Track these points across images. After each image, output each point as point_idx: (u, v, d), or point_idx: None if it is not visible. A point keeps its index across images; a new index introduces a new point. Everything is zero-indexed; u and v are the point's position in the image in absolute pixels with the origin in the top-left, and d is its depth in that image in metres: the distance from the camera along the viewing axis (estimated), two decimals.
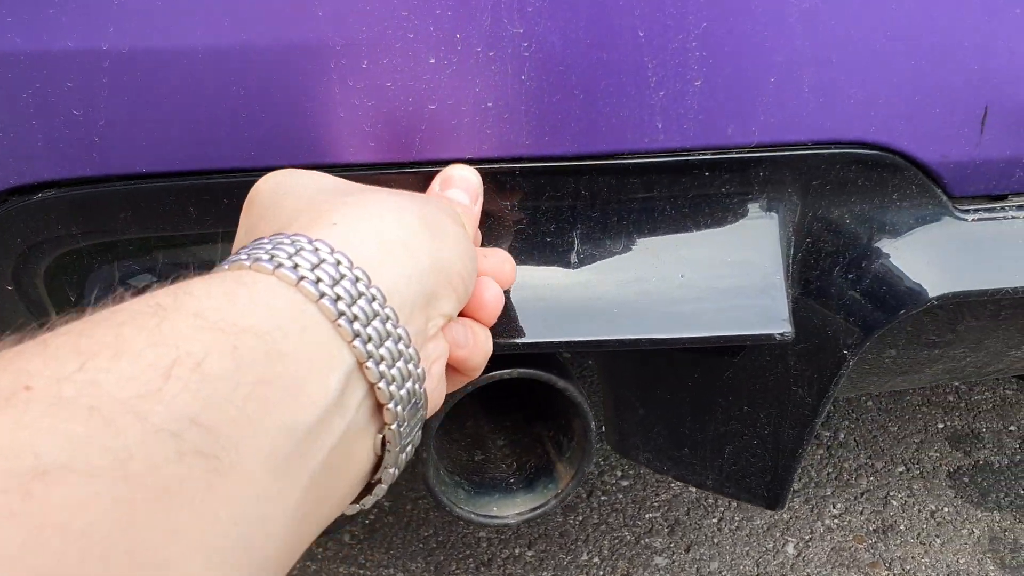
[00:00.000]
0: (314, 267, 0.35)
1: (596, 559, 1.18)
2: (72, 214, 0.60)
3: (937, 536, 1.18)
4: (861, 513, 1.23)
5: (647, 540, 1.20)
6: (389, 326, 0.36)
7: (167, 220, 0.59)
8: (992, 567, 1.12)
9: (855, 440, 1.37)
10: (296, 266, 0.35)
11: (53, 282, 0.62)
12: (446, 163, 0.55)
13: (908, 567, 1.14)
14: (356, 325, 0.35)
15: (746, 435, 0.65)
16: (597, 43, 0.51)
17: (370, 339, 0.35)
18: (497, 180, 0.55)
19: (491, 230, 0.57)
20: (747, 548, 1.18)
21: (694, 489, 1.29)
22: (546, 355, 0.62)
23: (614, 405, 0.74)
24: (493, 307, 0.48)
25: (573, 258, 0.57)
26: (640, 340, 0.55)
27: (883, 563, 1.15)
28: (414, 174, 0.56)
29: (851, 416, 1.42)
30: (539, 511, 0.63)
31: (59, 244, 0.61)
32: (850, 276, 0.58)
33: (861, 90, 0.52)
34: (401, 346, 0.36)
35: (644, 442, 0.71)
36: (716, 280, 0.55)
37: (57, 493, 0.25)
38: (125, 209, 0.59)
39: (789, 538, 1.20)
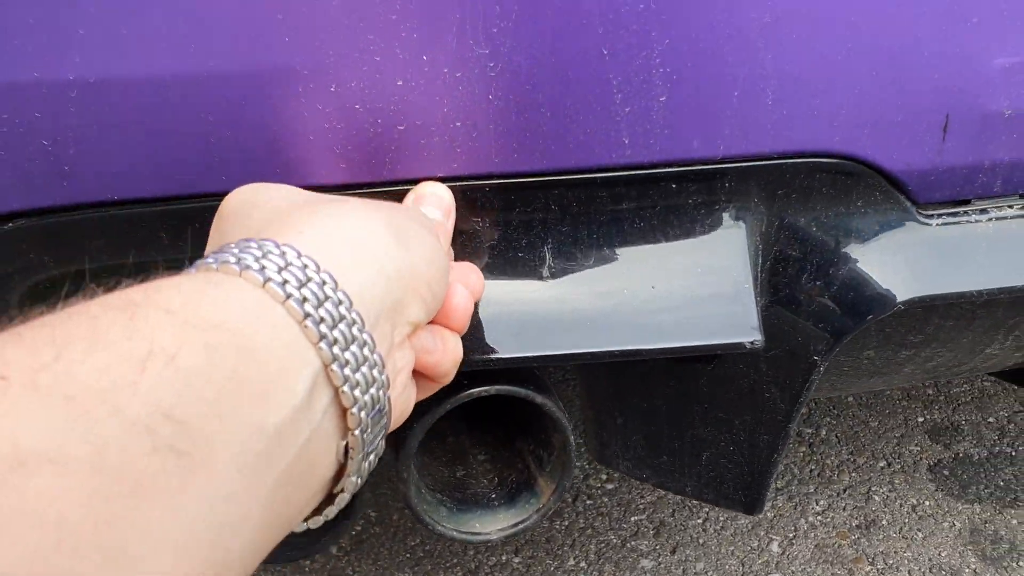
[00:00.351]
0: (281, 269, 0.35)
1: (583, 564, 1.19)
2: (44, 242, 0.60)
3: (919, 530, 1.19)
4: (844, 509, 1.24)
5: (633, 543, 1.21)
6: (355, 330, 0.36)
7: (139, 246, 0.59)
8: (973, 559, 1.13)
9: (836, 436, 1.39)
10: (263, 268, 0.35)
11: (29, 310, 0.62)
12: (418, 181, 0.55)
13: (891, 562, 1.15)
14: (323, 327, 0.35)
15: (722, 441, 0.66)
16: (562, 62, 0.51)
17: (336, 342, 0.35)
18: (468, 197, 0.56)
19: (463, 246, 0.58)
20: (732, 548, 1.19)
21: None
22: (524, 370, 0.63)
23: (593, 415, 0.74)
24: (462, 312, 0.48)
25: (545, 272, 0.57)
26: (613, 352, 0.56)
27: (866, 558, 1.16)
28: (386, 193, 0.56)
29: (832, 412, 1.43)
30: (521, 527, 0.63)
31: (32, 272, 0.61)
32: (818, 282, 0.59)
33: (824, 102, 0.53)
34: (366, 351, 0.36)
35: (623, 451, 0.72)
36: (686, 290, 0.56)
37: (34, 484, 0.25)
38: (97, 237, 0.59)
39: (773, 536, 1.21)
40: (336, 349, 0.35)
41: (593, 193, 0.55)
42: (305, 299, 0.35)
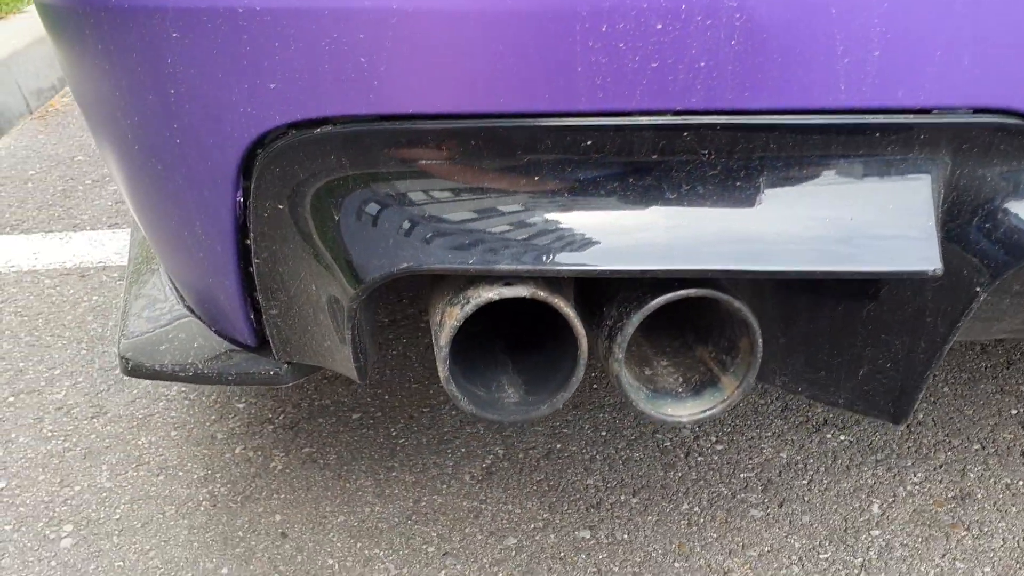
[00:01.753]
0: None
1: (696, 508, 1.30)
2: (343, 147, 0.74)
3: (1013, 505, 1.28)
4: (940, 482, 1.34)
5: (743, 495, 1.32)
6: None
7: (422, 157, 0.73)
8: None
9: (932, 420, 1.48)
10: None
11: (319, 202, 0.76)
12: (660, 113, 0.68)
13: (986, 529, 1.24)
14: None
15: (880, 359, 0.78)
16: (796, 17, 0.64)
17: None
18: (700, 133, 0.69)
19: (688, 175, 0.70)
20: (835, 506, 1.29)
21: (784, 454, 1.40)
22: (716, 282, 0.75)
23: None
24: None
25: (758, 200, 0.69)
26: (815, 272, 0.68)
27: (962, 525, 1.25)
28: (632, 126, 0.69)
29: (928, 399, 1.52)
30: (708, 413, 0.75)
31: (329, 172, 0.75)
32: (987, 225, 0.70)
33: (1016, 68, 0.65)
34: None
35: (782, 367, 0.84)
36: (880, 223, 0.68)
37: None
38: (388, 146, 0.73)
39: (873, 499, 1.31)
40: None
41: (807, 137, 0.68)
42: None
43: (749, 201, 0.69)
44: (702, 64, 0.66)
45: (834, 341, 0.80)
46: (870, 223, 0.68)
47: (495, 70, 0.67)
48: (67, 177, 2.58)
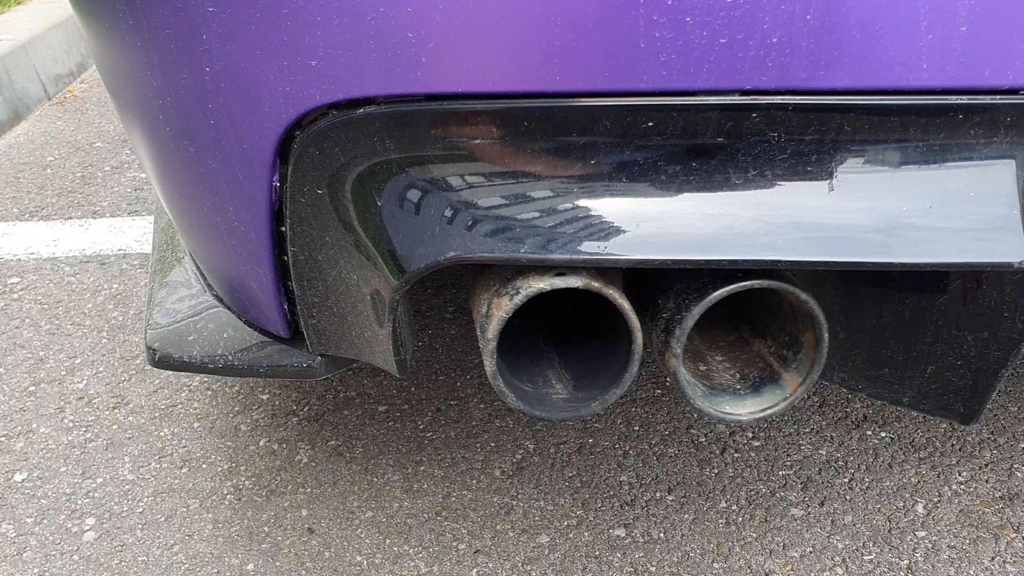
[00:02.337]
0: None
1: (734, 507, 1.26)
2: (388, 129, 0.70)
3: None
4: (986, 481, 1.29)
5: (782, 494, 1.28)
6: None
7: (471, 140, 0.69)
8: None
9: (986, 407, 1.43)
10: None
11: (360, 187, 0.72)
12: (727, 93, 0.64)
13: None
14: None
15: (950, 356, 0.73)
16: None
17: None
18: (769, 115, 0.64)
19: (758, 157, 0.66)
20: (878, 505, 1.25)
21: (824, 451, 1.36)
22: (781, 273, 0.71)
23: None
24: None
25: (830, 186, 0.65)
26: (892, 264, 0.64)
27: (1011, 526, 1.21)
28: (697, 106, 0.65)
29: None
30: (769, 412, 0.71)
31: (371, 156, 0.71)
32: None
33: None
34: None
35: (841, 363, 0.80)
36: (961, 212, 0.64)
37: None
38: (435, 127, 0.69)
39: (918, 499, 1.26)
40: None
41: (885, 119, 0.63)
42: None
43: (821, 187, 0.65)
44: (774, 40, 0.62)
45: (900, 337, 0.76)
46: (950, 212, 0.63)
47: (551, 46, 0.63)
48: (86, 164, 2.55)
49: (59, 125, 2.89)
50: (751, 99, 0.63)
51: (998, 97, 0.62)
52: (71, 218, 2.21)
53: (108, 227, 2.14)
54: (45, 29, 3.30)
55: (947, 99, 0.62)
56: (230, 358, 0.91)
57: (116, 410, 1.49)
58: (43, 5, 3.66)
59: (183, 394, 1.52)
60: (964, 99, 0.62)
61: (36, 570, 1.19)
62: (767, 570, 1.16)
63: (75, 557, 1.21)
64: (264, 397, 1.51)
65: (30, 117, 2.97)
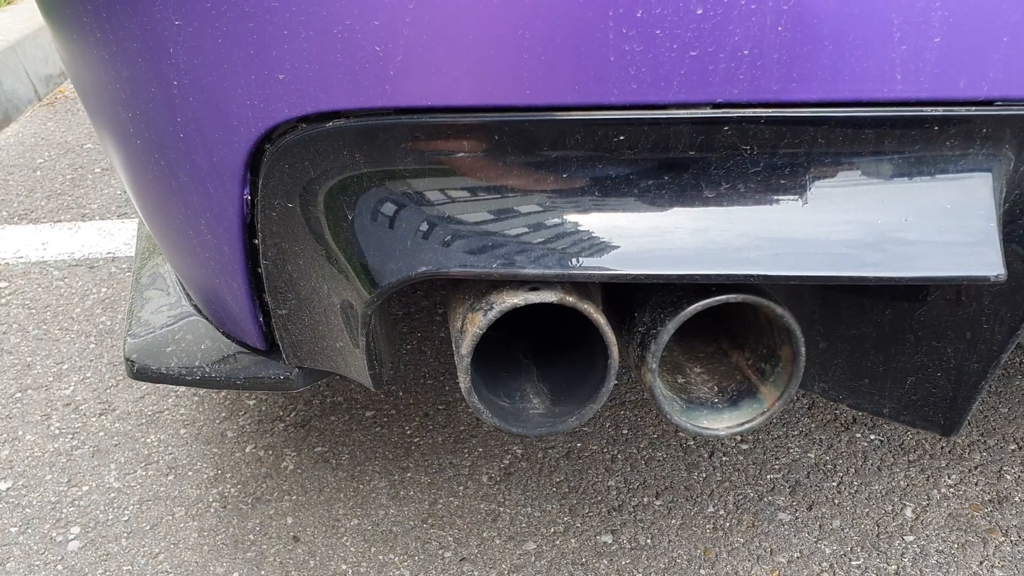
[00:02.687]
0: None
1: (722, 511, 1.25)
2: (357, 143, 0.69)
3: None
4: (976, 484, 1.29)
5: (770, 498, 1.27)
6: None
7: (442, 153, 0.68)
8: None
9: (967, 419, 1.42)
10: None
11: (331, 201, 0.71)
12: (698, 106, 0.63)
13: None
14: None
15: (930, 367, 0.73)
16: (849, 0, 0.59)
17: None
18: (741, 127, 0.63)
19: (728, 173, 0.65)
20: (867, 510, 1.25)
21: (812, 454, 1.36)
22: (756, 286, 0.70)
23: None
24: None
25: (803, 199, 0.64)
26: (867, 278, 0.63)
27: (1000, 530, 1.20)
28: (668, 120, 0.64)
29: None
30: (747, 426, 0.71)
31: (342, 169, 0.70)
32: None
33: None
34: None
35: (821, 373, 0.79)
36: (937, 225, 0.63)
37: None
38: (405, 141, 0.68)
39: (907, 503, 1.26)
40: None
41: (859, 131, 0.63)
42: None
43: (795, 201, 0.64)
44: (745, 52, 0.61)
45: (880, 347, 0.75)
46: (927, 225, 0.63)
47: (521, 59, 0.62)
48: (76, 165, 2.54)
49: (49, 126, 2.88)
50: (723, 112, 0.62)
51: (973, 108, 0.61)
52: (60, 221, 2.20)
53: (98, 230, 2.13)
54: (35, 29, 3.29)
55: (922, 111, 0.61)
56: (208, 370, 0.90)
57: (103, 416, 1.49)
58: (32, 5, 3.64)
59: (170, 400, 1.52)
60: (939, 111, 0.61)
61: None
62: (754, 575, 1.15)
63: (59, 567, 1.20)
64: (251, 403, 1.50)
65: (20, 118, 2.96)
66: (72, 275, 1.93)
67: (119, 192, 2.34)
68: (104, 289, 1.87)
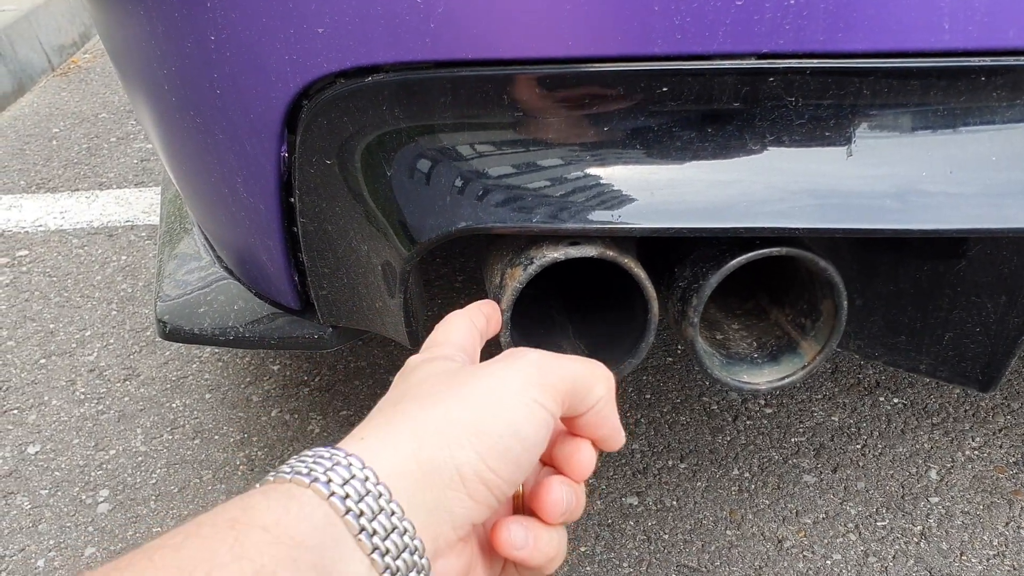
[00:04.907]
0: (344, 483, 0.38)
1: (747, 474, 1.26)
2: (396, 97, 0.69)
3: None
4: (1000, 447, 1.29)
5: (794, 460, 1.28)
6: (407, 538, 0.39)
7: (482, 107, 0.67)
8: None
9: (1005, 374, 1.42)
10: (329, 481, 0.38)
11: (370, 157, 0.71)
12: (743, 56, 0.63)
13: None
14: (375, 539, 0.38)
15: (968, 323, 0.72)
16: None
17: (387, 552, 0.38)
18: (787, 79, 0.63)
19: (772, 125, 0.65)
20: (891, 472, 1.25)
21: (836, 417, 1.36)
22: (799, 240, 0.70)
23: None
24: (556, 509, 0.45)
25: (848, 152, 0.64)
26: (911, 231, 0.62)
27: None
28: (712, 70, 0.63)
29: None
30: (787, 380, 0.71)
31: (381, 125, 0.70)
32: None
33: None
34: (415, 557, 0.39)
35: (857, 330, 0.79)
36: (982, 178, 0.62)
37: None
38: (445, 95, 0.68)
39: (931, 465, 1.26)
40: (388, 559, 0.38)
41: (905, 82, 0.62)
42: (361, 513, 0.38)
43: (839, 153, 0.64)
44: (792, 2, 0.60)
45: (918, 303, 0.75)
46: (971, 177, 0.62)
47: (563, 10, 0.62)
48: (92, 135, 2.54)
49: (63, 96, 2.87)
50: (768, 63, 0.62)
51: (1022, 58, 0.60)
52: (78, 190, 2.20)
53: (115, 198, 2.14)
54: None
55: (969, 61, 0.61)
56: (241, 330, 0.91)
57: (127, 382, 1.50)
58: None
59: (194, 365, 1.52)
60: (987, 61, 0.61)
61: (52, 541, 1.20)
62: (780, 536, 1.16)
63: (90, 528, 1.21)
64: (275, 368, 1.51)
65: (34, 88, 2.96)
66: (91, 243, 1.94)
67: (135, 161, 2.34)
68: (124, 257, 1.88)
